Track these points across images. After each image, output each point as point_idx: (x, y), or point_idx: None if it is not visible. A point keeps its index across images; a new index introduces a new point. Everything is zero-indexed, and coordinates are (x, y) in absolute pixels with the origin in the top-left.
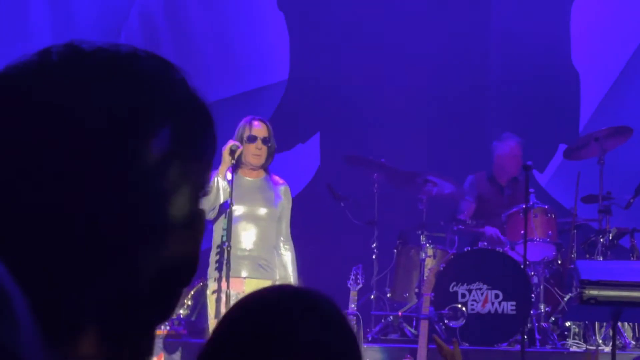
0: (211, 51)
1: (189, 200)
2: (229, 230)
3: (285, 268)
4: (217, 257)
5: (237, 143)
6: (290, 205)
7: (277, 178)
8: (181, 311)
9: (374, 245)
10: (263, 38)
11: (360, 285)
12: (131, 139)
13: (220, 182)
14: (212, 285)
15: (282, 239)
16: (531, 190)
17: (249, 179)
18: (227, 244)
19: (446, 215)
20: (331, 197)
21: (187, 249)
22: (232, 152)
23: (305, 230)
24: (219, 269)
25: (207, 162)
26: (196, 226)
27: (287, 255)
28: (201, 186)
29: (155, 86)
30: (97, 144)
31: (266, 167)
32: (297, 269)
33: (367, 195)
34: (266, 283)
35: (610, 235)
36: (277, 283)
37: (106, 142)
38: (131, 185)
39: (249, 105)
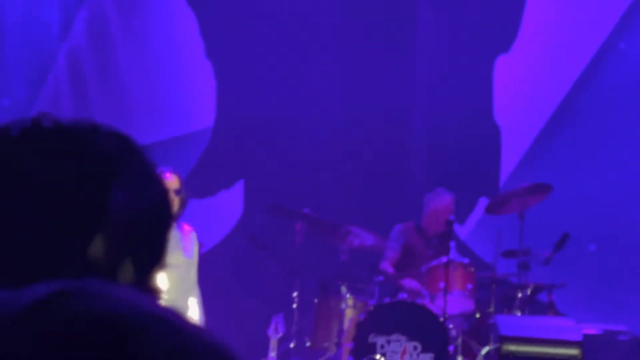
0: (139, 96)
1: (142, 275)
2: None
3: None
4: None
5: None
6: (198, 252)
7: (186, 227)
8: None
9: (295, 294)
10: (190, 84)
11: (281, 334)
12: (88, 213)
13: None
14: None
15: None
16: (451, 243)
17: None
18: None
19: (367, 267)
20: (254, 246)
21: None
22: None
23: (226, 278)
24: None
25: (162, 234)
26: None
27: (194, 301)
28: (156, 259)
29: (113, 162)
30: (56, 215)
31: (176, 218)
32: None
33: (290, 245)
34: None
35: (529, 290)
36: None
37: (64, 214)
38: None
39: (175, 151)
